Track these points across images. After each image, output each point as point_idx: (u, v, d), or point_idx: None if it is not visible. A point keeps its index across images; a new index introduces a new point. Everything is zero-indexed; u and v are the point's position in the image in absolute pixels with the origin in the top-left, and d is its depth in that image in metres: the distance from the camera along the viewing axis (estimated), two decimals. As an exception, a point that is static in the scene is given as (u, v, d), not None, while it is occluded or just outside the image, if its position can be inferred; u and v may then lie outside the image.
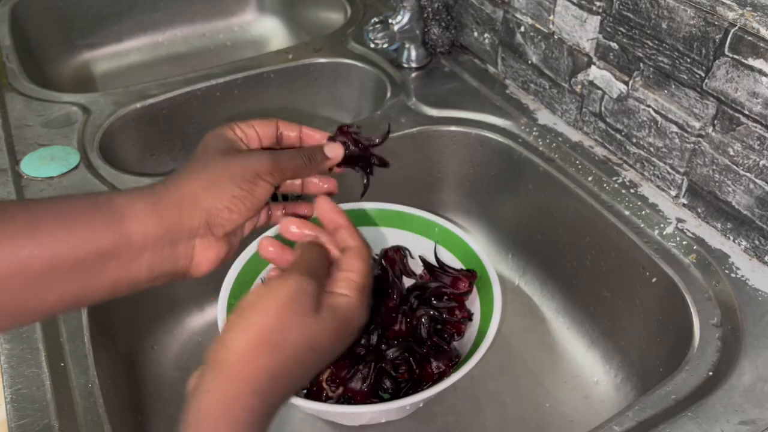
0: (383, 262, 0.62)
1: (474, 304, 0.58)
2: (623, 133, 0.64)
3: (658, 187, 0.62)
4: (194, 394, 0.33)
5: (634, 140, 0.63)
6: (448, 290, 0.58)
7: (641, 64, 0.59)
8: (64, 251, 0.33)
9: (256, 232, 0.46)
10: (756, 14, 0.48)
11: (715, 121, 0.54)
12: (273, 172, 0.41)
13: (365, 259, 0.41)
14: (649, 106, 0.60)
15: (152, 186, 0.38)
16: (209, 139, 0.42)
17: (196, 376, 0.34)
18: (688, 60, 0.54)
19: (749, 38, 0.49)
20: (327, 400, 0.54)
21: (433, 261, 0.62)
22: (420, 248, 0.63)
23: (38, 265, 0.33)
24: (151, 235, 0.36)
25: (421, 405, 0.59)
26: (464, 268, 0.60)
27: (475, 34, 0.81)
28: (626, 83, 0.61)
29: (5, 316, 0.33)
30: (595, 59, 0.64)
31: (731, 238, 0.57)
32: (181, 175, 0.39)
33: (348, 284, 0.39)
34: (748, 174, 0.53)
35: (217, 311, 0.53)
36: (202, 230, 0.38)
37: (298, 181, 0.48)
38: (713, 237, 0.58)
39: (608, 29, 0.61)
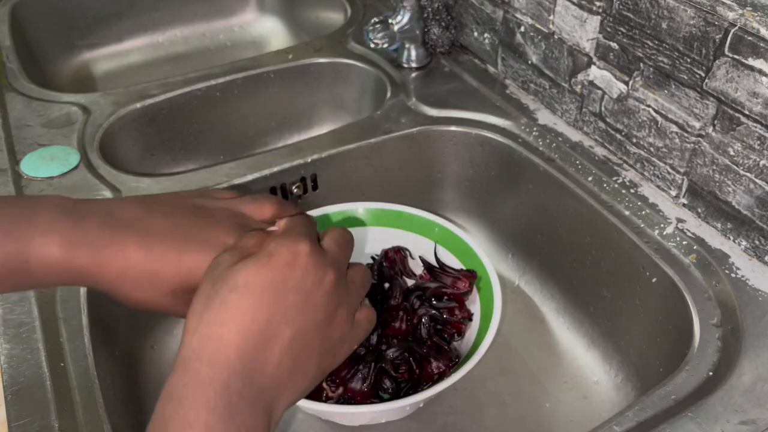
0: (384, 262, 0.62)
1: (474, 304, 0.58)
2: (623, 133, 0.64)
3: (658, 187, 0.62)
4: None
5: (634, 140, 0.63)
6: (449, 290, 0.58)
7: (641, 64, 0.59)
8: None
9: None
10: (756, 14, 0.48)
11: (715, 121, 0.54)
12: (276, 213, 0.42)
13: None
14: (649, 106, 0.60)
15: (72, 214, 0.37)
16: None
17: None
18: (688, 60, 0.54)
19: (749, 38, 0.49)
20: (327, 400, 0.54)
21: (433, 261, 0.62)
22: (420, 248, 0.63)
23: None
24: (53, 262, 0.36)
25: (421, 405, 0.59)
26: (464, 268, 0.60)
27: (475, 34, 0.81)
28: (626, 83, 0.61)
29: None
30: (595, 59, 0.64)
31: (731, 238, 0.57)
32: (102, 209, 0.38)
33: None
34: (748, 174, 0.53)
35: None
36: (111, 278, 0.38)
37: None
38: (713, 237, 0.58)
39: (608, 29, 0.61)
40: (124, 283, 0.37)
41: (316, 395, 0.54)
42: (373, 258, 0.64)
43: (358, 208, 0.63)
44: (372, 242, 0.64)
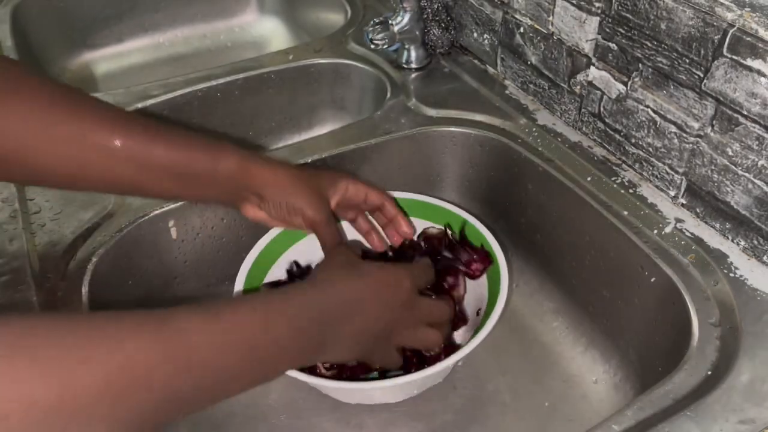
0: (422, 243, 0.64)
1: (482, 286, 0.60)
2: (622, 134, 0.64)
3: (657, 187, 0.62)
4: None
5: (633, 140, 0.63)
6: (462, 268, 0.60)
7: (640, 65, 0.59)
8: (181, 163, 0.50)
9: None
10: (755, 15, 0.49)
11: (714, 122, 0.54)
12: (309, 222, 0.55)
13: (430, 268, 0.56)
14: (647, 106, 0.60)
15: (249, 153, 0.53)
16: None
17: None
18: (687, 60, 0.54)
19: (748, 39, 0.49)
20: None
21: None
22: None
23: (162, 164, 0.49)
24: (228, 175, 0.52)
25: (415, 390, 0.60)
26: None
27: (475, 34, 0.81)
28: (625, 84, 0.61)
29: (123, 185, 0.50)
30: (594, 60, 0.64)
31: (730, 237, 0.57)
32: (269, 161, 0.54)
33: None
34: (746, 174, 0.53)
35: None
36: (255, 196, 0.54)
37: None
38: (712, 237, 0.58)
39: (607, 30, 0.61)
40: (273, 187, 0.54)
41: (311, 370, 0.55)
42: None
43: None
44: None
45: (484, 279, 0.60)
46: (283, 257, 0.62)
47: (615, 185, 0.64)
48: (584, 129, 0.69)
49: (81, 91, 0.49)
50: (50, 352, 0.30)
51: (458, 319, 0.61)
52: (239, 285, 0.57)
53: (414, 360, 0.55)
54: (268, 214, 0.55)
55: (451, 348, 0.56)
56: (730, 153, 0.54)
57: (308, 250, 0.62)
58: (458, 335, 0.62)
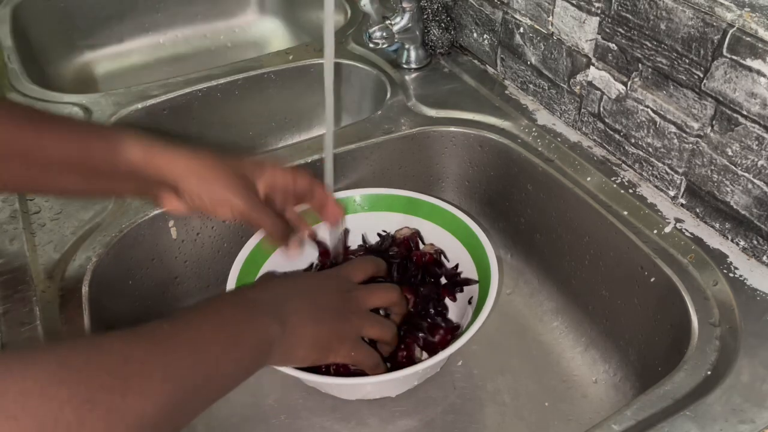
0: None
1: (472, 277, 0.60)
2: (622, 134, 0.64)
3: (657, 187, 0.63)
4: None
5: (633, 141, 0.63)
6: (421, 335, 0.59)
7: (640, 65, 0.59)
8: (73, 154, 0.45)
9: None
10: (754, 15, 0.49)
11: (714, 122, 0.54)
12: (239, 212, 0.51)
13: (367, 259, 0.57)
14: (647, 106, 0.60)
15: (159, 145, 0.49)
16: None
17: None
18: (687, 61, 0.54)
19: (747, 39, 0.49)
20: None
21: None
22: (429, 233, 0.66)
23: (53, 155, 0.45)
24: (132, 169, 0.47)
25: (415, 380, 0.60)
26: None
27: (475, 35, 0.81)
28: (625, 84, 0.61)
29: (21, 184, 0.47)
30: (593, 60, 0.64)
31: (729, 238, 0.57)
32: (182, 151, 0.50)
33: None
34: (746, 174, 0.53)
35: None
36: (171, 188, 0.49)
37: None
38: (711, 237, 0.58)
39: (607, 30, 0.61)
40: (188, 177, 0.49)
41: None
42: (380, 235, 0.67)
43: (355, 195, 0.66)
44: (373, 226, 0.67)
45: (472, 268, 0.60)
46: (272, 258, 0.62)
47: (615, 185, 0.64)
48: (584, 129, 0.69)
49: None
50: None
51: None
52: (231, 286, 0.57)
53: (403, 353, 0.56)
54: (189, 207, 0.51)
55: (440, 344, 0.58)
56: (730, 153, 0.54)
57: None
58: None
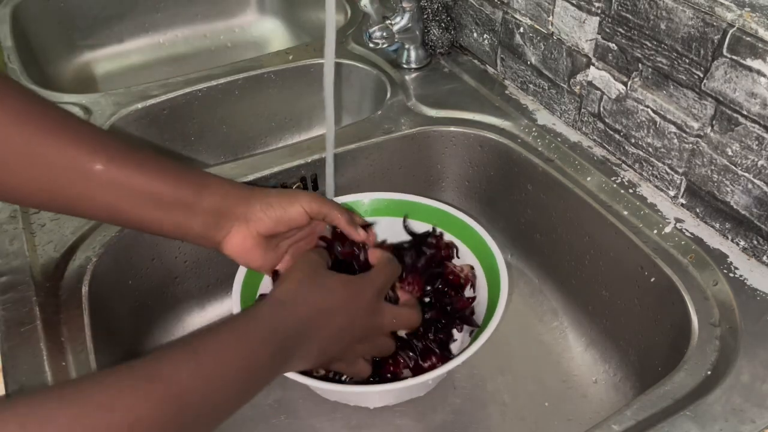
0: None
1: (480, 293, 0.59)
2: (622, 134, 0.64)
3: (657, 187, 0.62)
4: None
5: (633, 140, 0.63)
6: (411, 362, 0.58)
7: (640, 65, 0.59)
8: (164, 190, 0.48)
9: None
10: (754, 15, 0.49)
11: (714, 122, 0.54)
12: (312, 206, 0.53)
13: (393, 268, 0.55)
14: (647, 106, 0.60)
15: (231, 182, 0.53)
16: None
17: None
18: (687, 60, 0.54)
19: (748, 39, 0.49)
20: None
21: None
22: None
23: (145, 190, 0.47)
24: (213, 205, 0.50)
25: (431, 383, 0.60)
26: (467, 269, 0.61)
27: (475, 34, 0.81)
28: (625, 84, 0.61)
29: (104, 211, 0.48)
30: (593, 60, 0.64)
31: (730, 237, 0.57)
32: (248, 187, 0.54)
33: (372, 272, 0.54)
34: (746, 174, 0.53)
35: (231, 303, 0.56)
36: (241, 219, 0.51)
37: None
38: (712, 237, 0.58)
39: (607, 30, 0.61)
40: (244, 220, 0.52)
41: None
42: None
43: (363, 199, 0.65)
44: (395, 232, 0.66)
45: (483, 283, 0.59)
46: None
47: (615, 185, 0.64)
48: (584, 129, 0.69)
49: (65, 110, 0.47)
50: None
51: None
52: (236, 294, 0.56)
53: (390, 368, 0.56)
54: (263, 223, 0.52)
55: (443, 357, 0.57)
56: (730, 153, 0.54)
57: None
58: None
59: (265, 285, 0.58)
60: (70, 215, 0.52)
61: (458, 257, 0.63)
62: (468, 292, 0.61)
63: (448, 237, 0.63)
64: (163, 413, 0.35)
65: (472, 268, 0.61)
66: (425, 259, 0.61)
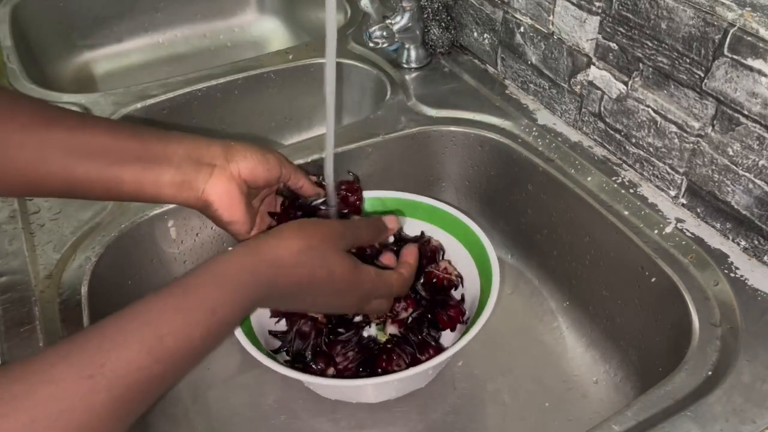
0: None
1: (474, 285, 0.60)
2: (623, 134, 0.64)
3: (658, 187, 0.62)
4: (220, 255, 0.43)
5: (634, 140, 0.63)
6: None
7: (640, 65, 0.59)
8: (123, 144, 0.46)
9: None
10: (755, 14, 0.48)
11: (715, 122, 0.54)
12: (282, 160, 0.53)
13: (412, 266, 0.56)
14: (648, 106, 0.60)
15: (195, 134, 0.50)
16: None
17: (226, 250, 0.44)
18: (688, 60, 0.54)
19: (748, 38, 0.49)
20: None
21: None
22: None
23: (101, 147, 0.45)
24: (185, 152, 0.48)
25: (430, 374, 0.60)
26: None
27: (475, 34, 0.81)
28: (625, 83, 0.61)
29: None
30: (594, 59, 0.64)
31: (730, 237, 0.57)
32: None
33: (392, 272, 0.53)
34: (747, 174, 0.53)
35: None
36: (221, 160, 0.49)
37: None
38: (712, 237, 0.58)
39: (608, 29, 0.61)
40: (223, 162, 0.50)
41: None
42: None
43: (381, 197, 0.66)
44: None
45: (476, 279, 0.60)
46: None
47: (615, 185, 0.64)
48: (584, 129, 0.69)
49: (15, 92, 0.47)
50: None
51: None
52: None
53: (383, 364, 0.56)
54: (246, 164, 0.50)
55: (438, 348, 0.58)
56: (731, 153, 0.54)
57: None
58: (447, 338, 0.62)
59: None
60: (28, 194, 0.51)
61: (444, 258, 0.64)
62: (456, 294, 0.62)
63: (435, 241, 0.64)
64: (151, 355, 0.35)
65: (455, 268, 0.62)
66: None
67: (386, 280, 0.52)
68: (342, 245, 0.48)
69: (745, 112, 0.51)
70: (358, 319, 0.61)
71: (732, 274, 0.54)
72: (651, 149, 0.61)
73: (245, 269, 0.43)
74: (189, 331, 0.38)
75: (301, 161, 0.68)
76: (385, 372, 0.56)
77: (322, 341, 0.58)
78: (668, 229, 0.59)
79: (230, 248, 0.44)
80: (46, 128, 0.44)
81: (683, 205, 0.61)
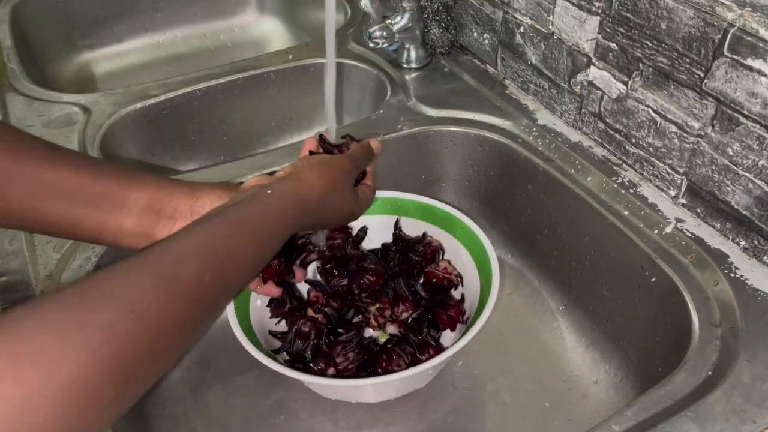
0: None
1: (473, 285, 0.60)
2: (622, 134, 0.64)
3: (658, 187, 0.62)
4: (265, 183, 0.47)
5: (634, 140, 0.63)
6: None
7: (640, 65, 0.59)
8: (82, 184, 0.45)
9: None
10: (755, 14, 0.48)
11: (714, 122, 0.54)
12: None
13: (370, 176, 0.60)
14: (648, 106, 0.60)
15: (159, 176, 0.49)
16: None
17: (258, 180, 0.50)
18: (688, 60, 0.54)
19: (748, 38, 0.49)
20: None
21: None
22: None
23: (60, 185, 0.44)
24: (146, 200, 0.47)
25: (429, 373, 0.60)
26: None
27: (475, 34, 0.81)
28: (625, 83, 0.61)
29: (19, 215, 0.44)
30: (594, 60, 0.64)
31: (730, 237, 0.57)
32: (183, 180, 0.50)
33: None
34: (747, 174, 0.53)
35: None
36: (186, 214, 0.48)
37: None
38: (712, 237, 0.58)
39: (607, 30, 0.61)
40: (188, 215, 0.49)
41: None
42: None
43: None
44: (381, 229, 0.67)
45: (476, 278, 0.60)
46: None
47: (615, 185, 0.64)
48: (584, 129, 0.69)
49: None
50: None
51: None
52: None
53: (383, 364, 0.57)
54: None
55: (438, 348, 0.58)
56: (731, 153, 0.54)
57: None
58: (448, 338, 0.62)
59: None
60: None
61: (444, 258, 0.64)
62: (456, 294, 0.62)
63: (435, 241, 0.64)
64: (163, 293, 0.35)
65: (455, 267, 0.63)
66: (411, 266, 0.63)
67: (367, 197, 0.58)
68: (350, 181, 0.54)
69: (745, 112, 0.51)
70: (358, 319, 0.61)
71: (732, 274, 0.54)
72: (651, 149, 0.61)
73: (287, 210, 0.46)
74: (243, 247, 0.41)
75: (301, 161, 0.69)
76: (385, 372, 0.56)
77: (322, 341, 0.58)
78: (668, 229, 0.59)
79: (268, 184, 0.48)
80: (12, 161, 0.43)
81: (683, 205, 0.61)
